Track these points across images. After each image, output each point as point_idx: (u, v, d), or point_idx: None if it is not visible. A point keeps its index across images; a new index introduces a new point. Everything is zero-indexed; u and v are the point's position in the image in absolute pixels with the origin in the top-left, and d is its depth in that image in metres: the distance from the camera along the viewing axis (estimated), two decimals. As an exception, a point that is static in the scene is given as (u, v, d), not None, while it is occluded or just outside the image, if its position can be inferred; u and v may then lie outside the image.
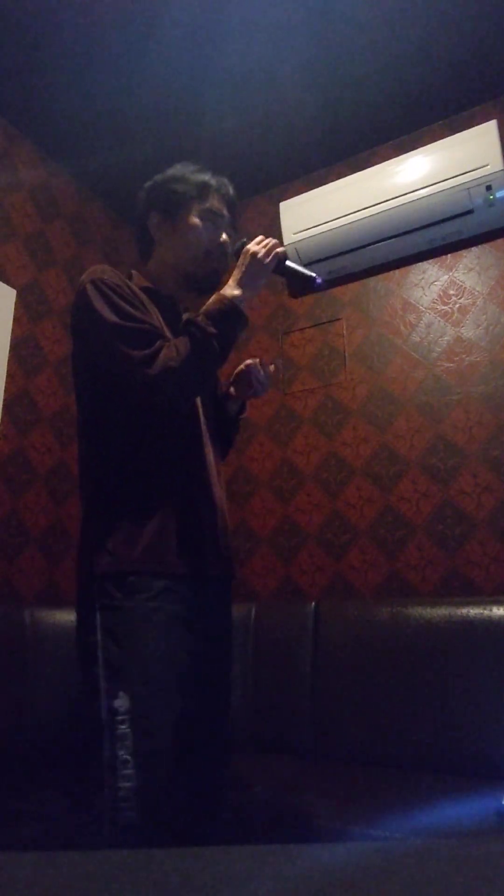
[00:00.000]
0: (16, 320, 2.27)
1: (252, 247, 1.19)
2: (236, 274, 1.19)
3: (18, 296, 2.29)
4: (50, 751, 1.67)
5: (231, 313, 1.14)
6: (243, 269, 1.18)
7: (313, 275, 1.21)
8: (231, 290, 1.17)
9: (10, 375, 2.20)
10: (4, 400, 2.15)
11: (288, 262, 1.21)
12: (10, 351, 2.21)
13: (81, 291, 1.15)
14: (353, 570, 2.16)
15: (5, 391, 2.16)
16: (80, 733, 1.68)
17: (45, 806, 1.44)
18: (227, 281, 1.20)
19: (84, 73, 2.17)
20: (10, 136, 2.38)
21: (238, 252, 1.23)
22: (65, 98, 2.27)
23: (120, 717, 0.97)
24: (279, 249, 1.20)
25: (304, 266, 1.40)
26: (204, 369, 1.12)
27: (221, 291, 1.17)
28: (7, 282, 2.26)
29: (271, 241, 1.21)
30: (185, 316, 1.15)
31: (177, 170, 1.30)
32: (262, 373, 1.36)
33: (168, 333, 1.19)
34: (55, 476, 2.30)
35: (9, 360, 2.20)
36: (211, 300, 1.16)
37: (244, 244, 1.22)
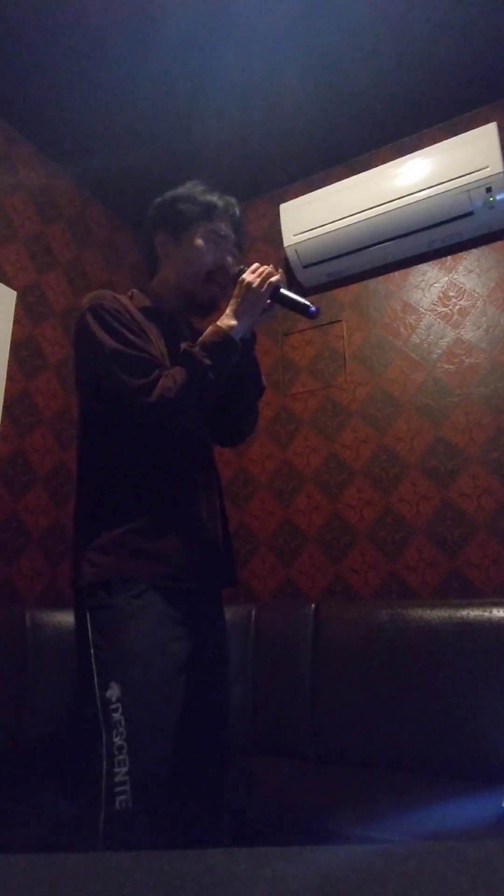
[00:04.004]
0: (16, 322, 2.27)
1: (247, 276, 1.20)
2: (232, 304, 1.20)
3: (19, 297, 2.29)
4: (50, 752, 1.67)
5: (226, 345, 1.15)
6: (239, 299, 1.19)
7: (308, 303, 1.22)
8: (227, 320, 1.18)
9: (10, 377, 2.20)
10: (4, 401, 2.15)
11: (283, 291, 1.22)
12: (10, 352, 2.21)
13: (82, 318, 1.17)
14: (353, 571, 2.16)
15: (5, 392, 2.16)
16: (80, 735, 1.69)
17: (45, 807, 1.44)
18: (226, 308, 1.21)
19: (85, 75, 2.18)
20: (10, 138, 2.38)
21: (236, 279, 1.24)
22: (65, 100, 2.28)
23: (113, 706, 1.00)
24: (274, 278, 1.20)
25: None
26: (199, 400, 1.14)
27: (218, 322, 1.18)
28: (7, 283, 2.26)
29: (266, 269, 1.21)
30: (182, 346, 1.16)
31: (186, 188, 1.31)
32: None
33: (166, 353, 1.21)
34: (55, 477, 2.30)
35: (9, 362, 2.20)
36: (207, 331, 1.18)
37: (241, 272, 1.23)
